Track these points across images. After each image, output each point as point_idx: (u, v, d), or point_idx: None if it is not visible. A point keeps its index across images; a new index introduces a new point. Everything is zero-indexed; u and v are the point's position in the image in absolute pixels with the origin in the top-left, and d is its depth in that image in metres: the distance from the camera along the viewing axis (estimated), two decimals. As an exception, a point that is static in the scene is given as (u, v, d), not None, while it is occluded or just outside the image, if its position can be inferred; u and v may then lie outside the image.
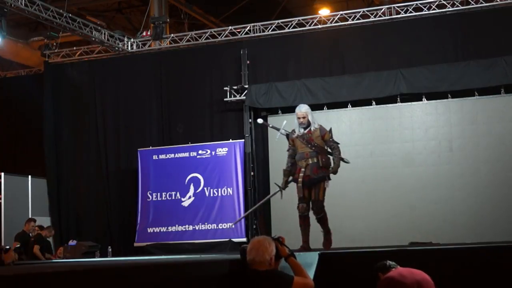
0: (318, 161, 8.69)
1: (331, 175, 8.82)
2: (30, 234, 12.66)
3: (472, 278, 6.64)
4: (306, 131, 8.83)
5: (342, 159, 8.95)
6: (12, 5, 12.64)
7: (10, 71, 17.22)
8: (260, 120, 10.14)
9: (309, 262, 7.04)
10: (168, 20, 15.48)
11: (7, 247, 8.59)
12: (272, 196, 10.33)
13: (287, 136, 9.03)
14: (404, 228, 12.13)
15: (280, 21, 14.25)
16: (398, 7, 13.55)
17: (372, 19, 13.62)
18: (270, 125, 10.23)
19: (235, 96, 13.91)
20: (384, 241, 11.09)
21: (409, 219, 12.34)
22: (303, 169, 8.71)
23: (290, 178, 8.93)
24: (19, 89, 16.00)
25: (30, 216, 13.60)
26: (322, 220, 8.82)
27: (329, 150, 8.88)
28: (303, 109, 8.89)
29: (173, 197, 13.84)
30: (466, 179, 12.38)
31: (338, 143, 8.94)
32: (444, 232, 11.74)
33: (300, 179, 8.70)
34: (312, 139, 8.79)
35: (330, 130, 8.94)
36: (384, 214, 12.48)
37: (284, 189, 9.04)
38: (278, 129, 9.20)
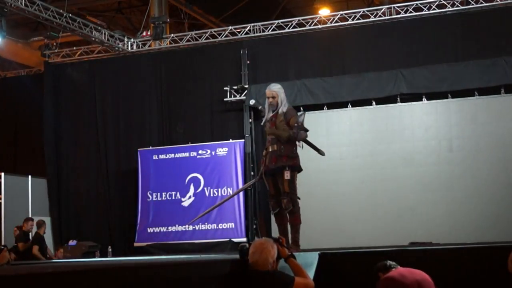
0: (277, 149, 7.62)
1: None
2: (30, 233, 12.65)
3: (472, 278, 6.63)
4: (272, 115, 7.79)
5: (310, 144, 7.79)
6: (12, 5, 12.64)
7: (10, 71, 17.22)
8: (252, 101, 9.18)
9: (309, 262, 7.00)
10: (168, 20, 15.46)
11: (1, 247, 8.52)
12: (246, 187, 9.65)
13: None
14: (404, 228, 12.11)
15: (280, 21, 14.24)
16: (398, 7, 13.54)
17: (372, 19, 13.61)
18: (260, 107, 9.02)
19: (235, 96, 13.91)
20: (384, 241, 11.06)
21: (409, 219, 12.33)
22: (264, 159, 7.77)
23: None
24: (19, 89, 16.01)
25: (30, 216, 13.61)
26: (292, 217, 7.73)
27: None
28: (272, 87, 7.85)
29: (173, 197, 13.84)
30: (466, 179, 12.37)
31: (307, 130, 7.71)
32: (444, 232, 11.72)
33: (262, 170, 7.80)
34: (274, 123, 7.74)
35: (302, 114, 7.91)
36: (384, 214, 12.48)
37: (258, 180, 8.14)
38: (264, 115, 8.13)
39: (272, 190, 7.78)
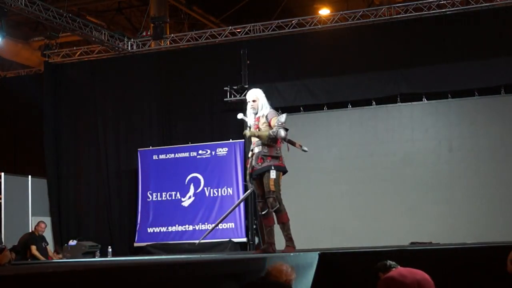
0: (261, 150, 7.68)
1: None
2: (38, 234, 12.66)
3: (471, 278, 6.65)
4: (255, 118, 7.85)
5: (291, 141, 7.70)
6: (12, 5, 12.63)
7: (10, 71, 17.20)
8: (240, 115, 8.36)
9: (309, 262, 7.03)
10: (168, 20, 15.45)
11: (2, 246, 8.49)
12: (246, 197, 9.49)
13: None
14: (404, 228, 12.09)
15: (280, 21, 14.21)
16: (398, 7, 13.52)
17: (372, 19, 13.59)
18: (243, 117, 8.29)
19: (235, 96, 13.89)
20: (384, 241, 11.07)
21: (409, 218, 12.31)
22: (250, 161, 7.83)
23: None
24: (19, 89, 15.97)
25: (30, 217, 13.62)
26: (280, 216, 7.69)
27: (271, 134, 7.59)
28: (253, 91, 7.93)
29: (173, 197, 13.81)
30: (466, 179, 12.36)
31: (287, 129, 7.58)
32: (444, 232, 11.71)
33: (249, 173, 7.83)
34: (257, 126, 7.80)
35: (284, 114, 7.74)
36: (384, 214, 12.47)
37: (251, 186, 8.06)
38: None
39: (260, 191, 7.77)
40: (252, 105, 7.85)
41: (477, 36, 12.76)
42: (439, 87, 12.54)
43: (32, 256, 12.02)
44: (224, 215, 9.10)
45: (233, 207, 9.30)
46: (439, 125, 12.70)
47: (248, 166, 7.85)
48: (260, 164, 7.67)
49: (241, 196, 8.38)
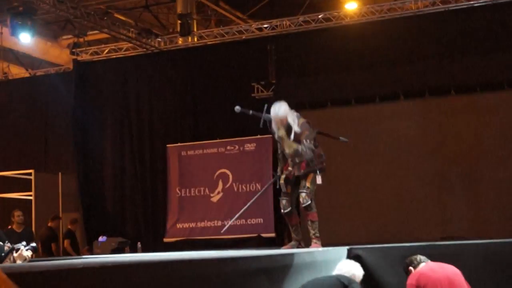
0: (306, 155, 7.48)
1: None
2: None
3: (503, 274, 6.65)
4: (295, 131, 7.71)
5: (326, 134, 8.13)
6: (41, 4, 12.75)
7: (39, 69, 17.38)
8: (237, 108, 8.46)
9: (337, 257, 7.04)
10: (195, 16, 15.48)
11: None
12: (269, 186, 9.33)
13: (270, 123, 7.93)
14: (434, 222, 12.03)
15: (306, 16, 14.18)
16: (425, 0, 13.38)
17: (399, 12, 13.48)
18: (250, 112, 8.36)
19: (262, 91, 13.89)
20: (414, 235, 11.00)
21: (440, 213, 12.18)
22: (290, 168, 7.80)
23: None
24: (48, 87, 16.12)
25: (61, 213, 13.77)
26: (310, 214, 7.70)
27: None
28: (279, 114, 7.70)
29: (202, 193, 13.90)
30: (499, 173, 12.11)
31: (316, 146, 7.75)
32: (475, 227, 11.63)
33: (285, 176, 7.79)
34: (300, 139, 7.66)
35: (315, 131, 7.90)
36: (414, 208, 12.32)
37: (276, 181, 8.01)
38: (260, 116, 8.04)
39: (289, 189, 7.76)
40: (281, 125, 7.73)
41: (508, 28, 12.53)
42: (469, 80, 12.41)
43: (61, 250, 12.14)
44: (249, 203, 9.01)
45: (257, 196, 9.20)
46: (469, 118, 12.53)
47: (285, 171, 7.81)
48: (303, 171, 7.65)
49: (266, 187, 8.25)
